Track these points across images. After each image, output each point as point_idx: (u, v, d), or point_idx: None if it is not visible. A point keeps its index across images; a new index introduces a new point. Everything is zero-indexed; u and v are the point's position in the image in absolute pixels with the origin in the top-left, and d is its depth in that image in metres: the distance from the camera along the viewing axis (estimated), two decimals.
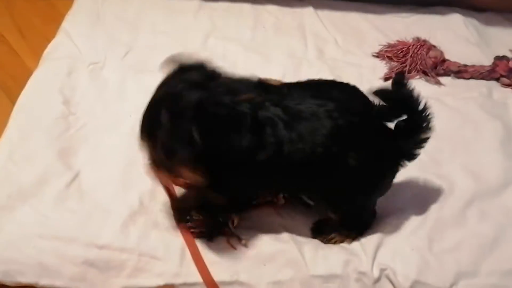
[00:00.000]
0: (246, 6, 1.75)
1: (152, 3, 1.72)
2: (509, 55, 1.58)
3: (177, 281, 1.04)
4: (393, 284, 1.04)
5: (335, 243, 1.11)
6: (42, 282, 1.04)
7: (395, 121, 0.98)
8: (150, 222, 1.13)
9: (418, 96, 0.96)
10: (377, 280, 1.05)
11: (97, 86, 1.43)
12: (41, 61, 1.50)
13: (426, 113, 0.97)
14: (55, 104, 1.35)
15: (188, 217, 1.11)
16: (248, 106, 0.92)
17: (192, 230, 1.10)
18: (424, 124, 0.97)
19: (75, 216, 1.12)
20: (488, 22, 1.76)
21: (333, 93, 0.99)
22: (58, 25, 1.61)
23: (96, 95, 1.41)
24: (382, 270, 1.06)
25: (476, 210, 1.18)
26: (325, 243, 1.11)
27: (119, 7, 1.69)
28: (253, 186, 1.05)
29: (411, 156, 1.01)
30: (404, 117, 0.97)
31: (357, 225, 1.12)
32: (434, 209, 1.18)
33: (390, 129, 0.99)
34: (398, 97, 0.96)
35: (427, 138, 0.99)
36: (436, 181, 1.24)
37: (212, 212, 1.11)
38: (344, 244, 1.11)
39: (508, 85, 1.53)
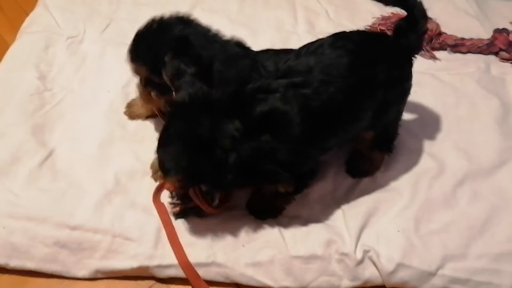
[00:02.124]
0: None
1: None
2: (509, 27, 1.51)
3: (152, 263, 1.00)
4: (376, 267, 1.00)
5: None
6: (13, 263, 1.00)
7: None
8: (126, 201, 1.08)
9: None
10: (360, 262, 1.00)
11: (75, 61, 1.38)
12: (18, 35, 1.44)
13: (421, 6, 1.02)
14: (30, 79, 1.30)
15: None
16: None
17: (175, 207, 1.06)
18: (421, 16, 1.03)
19: (48, 195, 1.08)
20: None
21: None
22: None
23: (74, 70, 1.35)
24: (365, 252, 1.01)
25: (467, 190, 1.13)
26: None
27: None
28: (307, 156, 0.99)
29: (417, 48, 1.07)
30: None
31: (390, 141, 1.14)
32: (423, 188, 1.13)
33: (387, 35, 1.05)
34: None
35: (426, 28, 1.06)
36: (428, 160, 1.19)
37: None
38: (328, 222, 1.06)
39: (507, 60, 1.46)
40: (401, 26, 1.05)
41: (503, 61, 1.46)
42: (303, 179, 1.02)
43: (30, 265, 1.00)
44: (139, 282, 1.02)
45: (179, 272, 1.00)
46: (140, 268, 1.00)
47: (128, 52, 1.10)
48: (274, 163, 0.93)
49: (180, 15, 1.11)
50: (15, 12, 1.56)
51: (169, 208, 1.07)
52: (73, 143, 1.19)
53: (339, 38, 1.00)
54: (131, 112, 1.24)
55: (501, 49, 1.47)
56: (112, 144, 1.19)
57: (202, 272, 1.00)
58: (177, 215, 1.05)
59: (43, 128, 1.21)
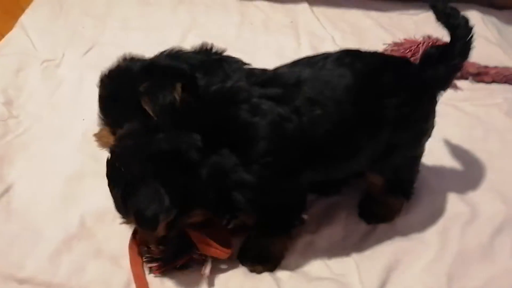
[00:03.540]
0: (232, 1, 1.54)
1: None
2: None
3: None
4: None
5: None
6: None
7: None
8: (90, 249, 0.89)
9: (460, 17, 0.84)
10: None
11: (49, 86, 1.23)
12: None
13: (469, 38, 0.84)
14: None
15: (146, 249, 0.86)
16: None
17: (153, 262, 0.85)
18: (462, 48, 0.84)
19: None
20: (509, 21, 1.54)
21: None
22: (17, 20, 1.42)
23: (46, 96, 1.20)
24: None
25: (508, 239, 0.93)
26: None
27: (87, 1, 1.49)
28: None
29: (445, 84, 0.87)
30: None
31: (407, 187, 0.95)
32: (454, 237, 0.93)
33: (410, 62, 0.87)
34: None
35: (461, 63, 0.86)
36: (456, 202, 1.00)
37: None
38: (338, 278, 0.85)
39: None
40: (431, 54, 0.86)
41: None
42: (281, 215, 0.83)
43: None
44: None
45: None
46: None
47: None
48: (235, 186, 0.76)
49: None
50: None
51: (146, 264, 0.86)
52: (36, 178, 1.02)
53: (349, 55, 0.83)
54: (102, 140, 1.07)
55: None
56: (81, 180, 1.02)
57: None
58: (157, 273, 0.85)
59: (2, 160, 1.04)
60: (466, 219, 0.96)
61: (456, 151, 1.11)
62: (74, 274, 0.84)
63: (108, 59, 1.26)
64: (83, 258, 0.87)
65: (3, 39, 1.35)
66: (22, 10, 1.47)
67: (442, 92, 0.88)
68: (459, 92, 1.29)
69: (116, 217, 0.92)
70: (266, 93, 0.78)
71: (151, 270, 0.85)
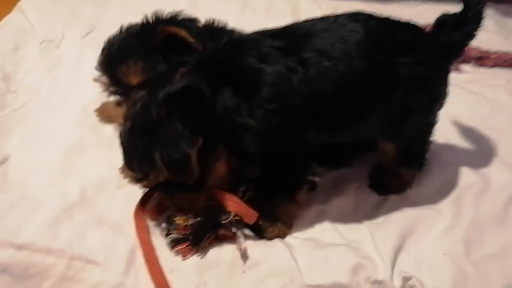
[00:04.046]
0: None
1: None
2: None
3: None
4: None
5: None
6: None
7: None
8: (91, 217, 0.85)
9: None
10: None
11: (48, 63, 1.20)
12: None
13: (481, 5, 0.82)
14: None
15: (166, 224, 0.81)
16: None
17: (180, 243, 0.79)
18: (475, 16, 0.82)
19: None
20: (506, 14, 1.55)
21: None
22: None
23: (45, 72, 1.17)
24: (405, 280, 0.77)
25: None
26: None
27: None
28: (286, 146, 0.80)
29: (459, 50, 0.86)
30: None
31: (419, 156, 0.92)
32: (468, 206, 0.90)
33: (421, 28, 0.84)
34: None
35: (475, 31, 0.83)
36: (468, 174, 0.97)
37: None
38: (352, 244, 0.82)
39: None
40: (444, 21, 0.84)
41: None
42: (284, 172, 0.81)
43: None
44: None
45: None
46: None
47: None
48: (241, 129, 0.75)
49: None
50: None
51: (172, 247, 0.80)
52: (34, 150, 0.98)
53: (363, 14, 0.82)
54: (103, 114, 1.04)
55: None
56: (81, 151, 0.98)
57: None
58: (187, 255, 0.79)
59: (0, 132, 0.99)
60: (478, 189, 0.93)
61: (465, 127, 1.10)
62: (75, 240, 0.80)
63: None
64: (85, 225, 0.83)
65: (1, 21, 1.32)
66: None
67: (455, 60, 0.87)
68: (463, 74, 1.28)
69: (119, 186, 0.90)
70: (274, 44, 0.77)
71: (178, 253, 0.79)
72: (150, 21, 0.92)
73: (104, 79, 0.93)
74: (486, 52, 1.32)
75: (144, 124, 0.74)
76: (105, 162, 0.95)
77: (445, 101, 0.87)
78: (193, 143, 0.71)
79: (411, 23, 0.84)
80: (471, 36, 0.84)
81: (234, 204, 0.78)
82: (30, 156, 0.96)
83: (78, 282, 0.76)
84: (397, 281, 0.77)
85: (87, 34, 1.31)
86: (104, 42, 0.95)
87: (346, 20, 0.79)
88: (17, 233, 0.80)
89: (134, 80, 0.88)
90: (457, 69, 1.29)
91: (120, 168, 0.93)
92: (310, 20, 0.81)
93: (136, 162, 0.76)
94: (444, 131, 1.06)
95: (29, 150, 0.97)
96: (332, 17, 0.80)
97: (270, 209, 0.84)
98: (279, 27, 0.82)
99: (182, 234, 0.78)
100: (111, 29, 1.28)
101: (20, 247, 0.78)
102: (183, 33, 0.88)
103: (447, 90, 0.87)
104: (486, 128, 1.09)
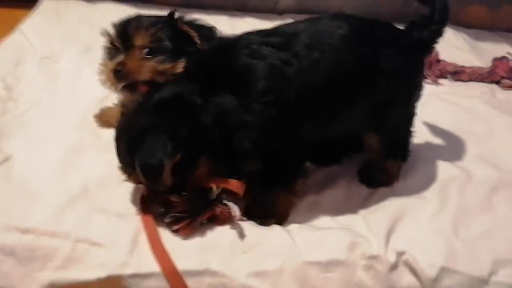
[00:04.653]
0: (223, 18, 1.62)
1: (119, 10, 1.57)
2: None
3: (126, 271, 0.76)
4: (415, 273, 0.79)
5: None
6: None
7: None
8: (94, 207, 0.87)
9: None
10: (394, 267, 0.79)
11: (47, 77, 1.24)
12: None
13: (443, 7, 0.93)
14: None
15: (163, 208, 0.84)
16: None
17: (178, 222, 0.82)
18: (441, 17, 0.93)
19: None
20: (477, 37, 1.68)
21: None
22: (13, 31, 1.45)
23: (45, 84, 1.21)
24: (399, 255, 0.80)
25: (504, 197, 0.97)
26: None
27: (83, 11, 1.56)
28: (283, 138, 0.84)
29: (429, 45, 0.96)
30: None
31: (402, 147, 0.99)
32: (453, 195, 0.96)
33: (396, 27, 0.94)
34: None
35: (441, 30, 0.95)
36: (451, 168, 1.04)
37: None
38: (347, 227, 0.86)
39: (511, 87, 1.39)
40: (415, 21, 0.95)
41: (506, 89, 1.40)
42: (282, 164, 0.85)
43: None
44: None
45: (161, 284, 0.76)
46: (109, 280, 0.76)
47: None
48: (238, 127, 0.79)
49: None
50: None
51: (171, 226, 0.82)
52: (35, 151, 0.99)
53: (343, 14, 0.90)
54: (101, 119, 1.08)
55: (502, 77, 1.41)
56: (81, 153, 1.00)
57: (192, 284, 0.76)
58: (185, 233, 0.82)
59: (1, 134, 1.02)
60: (461, 181, 1.00)
61: (445, 131, 1.17)
62: (79, 225, 0.81)
63: None
64: (88, 213, 0.84)
65: (2, 41, 1.37)
66: (17, 21, 1.51)
67: (426, 55, 0.97)
68: (441, 87, 1.38)
69: (119, 182, 0.93)
70: (266, 40, 0.83)
71: (177, 232, 0.81)
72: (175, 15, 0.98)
73: (113, 32, 0.97)
74: (462, 67, 1.43)
75: (133, 128, 0.79)
76: (104, 161, 0.97)
77: (421, 93, 0.95)
78: (171, 157, 0.75)
79: (387, 21, 0.93)
80: (439, 34, 0.95)
81: (220, 182, 0.81)
82: (31, 156, 0.97)
83: (83, 262, 0.77)
84: (391, 256, 0.80)
85: (84, 52, 1.36)
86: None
87: (330, 19, 0.87)
88: (22, 219, 0.81)
89: (139, 41, 0.92)
90: (436, 82, 1.39)
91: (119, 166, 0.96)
92: (295, 22, 0.89)
93: (123, 162, 0.80)
94: (426, 135, 1.14)
95: (30, 151, 0.99)
96: (316, 18, 0.88)
97: (268, 199, 0.87)
98: (267, 29, 0.88)
99: (179, 212, 0.80)
100: None
101: (25, 231, 0.79)
102: (194, 33, 0.94)
103: (422, 82, 0.95)
104: (465, 132, 1.17)
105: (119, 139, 0.83)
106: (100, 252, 0.78)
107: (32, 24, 1.46)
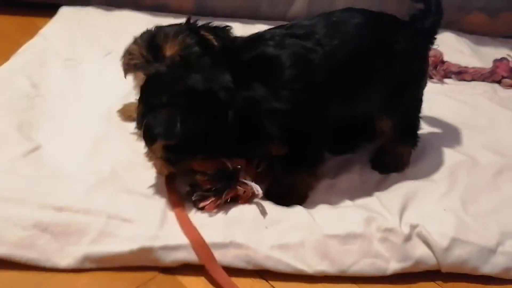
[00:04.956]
0: (236, 24, 1.69)
1: (136, 18, 1.65)
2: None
3: (156, 243, 0.81)
4: (428, 243, 0.83)
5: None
6: None
7: None
8: (123, 189, 0.92)
9: None
10: (408, 238, 0.84)
11: (72, 76, 1.30)
12: (12, 56, 1.36)
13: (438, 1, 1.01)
14: (22, 85, 1.20)
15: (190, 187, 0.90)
16: None
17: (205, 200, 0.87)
18: (436, 9, 1.01)
19: (29, 180, 0.91)
20: (478, 42, 1.75)
21: None
22: (34, 36, 1.52)
23: (70, 82, 1.27)
24: (412, 227, 0.85)
25: (508, 179, 1.02)
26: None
27: (102, 19, 1.62)
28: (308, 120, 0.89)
29: (432, 34, 1.03)
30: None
31: (412, 132, 1.04)
32: (461, 177, 1.02)
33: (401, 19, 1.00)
34: None
35: (439, 20, 1.02)
36: (458, 155, 1.09)
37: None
38: (363, 205, 0.91)
39: (511, 86, 1.46)
40: (416, 14, 1.03)
41: (508, 88, 1.46)
42: (310, 144, 0.90)
43: (2, 249, 0.79)
44: (138, 274, 0.81)
45: (189, 256, 0.81)
46: (141, 251, 0.81)
47: None
48: (267, 115, 0.84)
49: None
50: (11, 45, 1.49)
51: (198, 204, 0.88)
52: (63, 140, 1.06)
53: (354, 8, 0.97)
54: (125, 114, 1.14)
55: (503, 77, 1.47)
56: (108, 142, 1.06)
57: (219, 255, 0.81)
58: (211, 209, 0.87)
59: (30, 126, 1.08)
60: (468, 166, 1.05)
61: (451, 124, 1.23)
62: (110, 204, 0.86)
63: None
64: (117, 194, 0.90)
65: (23, 46, 1.44)
66: (38, 28, 1.58)
67: (429, 43, 1.03)
68: (445, 86, 1.44)
69: (145, 168, 0.98)
70: (289, 32, 0.89)
71: (203, 209, 0.86)
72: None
73: (142, 42, 1.01)
74: (465, 67, 1.49)
75: (155, 96, 0.84)
76: (131, 149, 1.03)
77: (427, 78, 1.02)
78: (167, 136, 0.80)
79: (393, 15, 1.00)
80: (437, 24, 1.02)
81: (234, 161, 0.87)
82: (60, 145, 1.03)
83: (115, 237, 0.82)
84: (405, 229, 0.85)
85: (105, 56, 1.42)
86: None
87: (342, 12, 0.94)
88: (56, 198, 0.86)
89: (170, 50, 0.97)
90: (441, 81, 1.45)
91: (145, 153, 1.01)
92: (309, 17, 0.95)
93: (139, 114, 0.86)
94: (434, 127, 1.19)
95: (59, 140, 1.05)
96: (326, 13, 0.94)
97: (290, 181, 0.92)
98: (287, 24, 0.94)
99: (204, 190, 0.86)
100: None
101: (60, 209, 0.84)
102: (210, 36, 0.99)
103: (427, 69, 1.03)
104: (469, 125, 1.23)
105: (142, 99, 0.87)
106: (131, 227, 0.83)
107: (53, 29, 1.52)
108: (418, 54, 0.99)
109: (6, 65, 1.30)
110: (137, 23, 1.62)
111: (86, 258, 0.81)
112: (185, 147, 0.83)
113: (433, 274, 0.85)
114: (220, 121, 0.83)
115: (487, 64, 1.53)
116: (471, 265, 0.84)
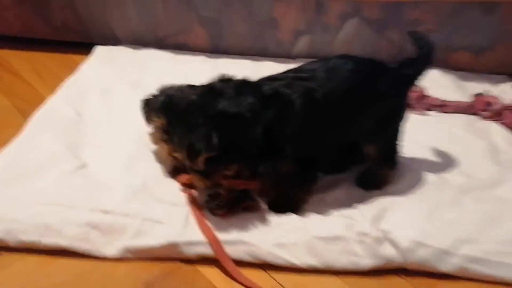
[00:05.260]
0: (246, 61, 1.94)
1: (160, 55, 1.91)
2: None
3: (180, 240, 1.03)
4: (395, 245, 1.04)
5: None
6: (45, 241, 1.03)
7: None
8: (153, 198, 1.15)
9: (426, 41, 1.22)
10: (379, 240, 1.05)
11: (108, 106, 1.54)
12: (58, 89, 1.62)
13: (427, 53, 1.21)
14: (68, 113, 1.45)
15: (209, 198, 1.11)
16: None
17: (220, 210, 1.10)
18: (424, 60, 1.21)
19: (80, 190, 1.15)
20: (463, 78, 1.95)
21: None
22: (73, 71, 1.77)
23: (106, 111, 1.51)
24: (384, 232, 1.06)
25: (471, 197, 1.22)
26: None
27: (130, 56, 1.88)
28: (311, 144, 1.11)
29: (415, 78, 1.23)
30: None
31: (393, 155, 1.25)
32: (430, 195, 1.22)
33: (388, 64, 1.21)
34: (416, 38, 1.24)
35: (424, 68, 1.22)
36: (431, 176, 1.30)
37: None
38: (345, 214, 1.12)
39: (489, 117, 1.66)
40: (404, 61, 1.23)
41: (485, 119, 1.67)
42: (308, 166, 1.12)
43: (62, 242, 1.03)
44: (165, 264, 1.03)
45: (206, 250, 1.03)
46: (169, 245, 1.03)
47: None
48: (283, 138, 1.05)
49: None
50: (54, 79, 1.73)
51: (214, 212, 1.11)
52: (103, 159, 1.29)
53: (347, 55, 1.20)
54: (154, 137, 1.36)
55: (481, 110, 1.68)
56: (138, 159, 1.29)
57: (229, 250, 1.03)
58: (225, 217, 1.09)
59: (77, 147, 1.32)
60: (438, 185, 1.25)
61: (429, 150, 1.43)
62: (144, 209, 1.09)
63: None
64: (149, 202, 1.12)
65: (67, 79, 1.69)
66: (76, 64, 1.84)
67: (411, 86, 1.24)
68: (428, 117, 1.66)
69: (171, 182, 1.21)
70: (297, 75, 1.12)
71: (219, 216, 1.09)
72: None
73: (163, 119, 1.21)
74: (446, 101, 1.70)
75: (189, 120, 1.03)
76: (158, 167, 1.27)
77: (406, 114, 1.23)
78: (209, 149, 0.98)
79: (381, 60, 1.23)
80: (421, 72, 1.23)
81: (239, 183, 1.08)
82: (101, 162, 1.26)
83: (149, 234, 1.05)
84: (378, 234, 1.06)
85: (134, 88, 1.68)
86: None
87: (337, 59, 1.16)
88: (102, 204, 1.09)
89: None
90: (423, 114, 1.67)
91: (169, 172, 1.24)
92: (310, 62, 1.18)
93: (177, 139, 1.05)
94: (414, 153, 1.40)
95: (99, 159, 1.28)
96: (325, 58, 1.17)
97: (290, 196, 1.14)
98: (293, 68, 1.17)
99: (221, 202, 1.08)
100: (151, 87, 1.68)
101: (105, 212, 1.07)
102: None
103: (406, 106, 1.23)
104: (444, 153, 1.43)
105: (176, 124, 1.07)
106: (161, 227, 1.06)
107: (90, 66, 1.79)
108: (399, 94, 1.21)
109: (54, 97, 1.55)
110: (160, 60, 1.89)
111: (127, 250, 1.03)
112: (221, 159, 1.02)
113: (399, 270, 1.05)
114: (249, 137, 1.02)
115: (469, 98, 1.75)
116: (431, 264, 1.04)
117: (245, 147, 1.03)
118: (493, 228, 1.12)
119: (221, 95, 1.04)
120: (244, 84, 1.08)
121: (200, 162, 1.02)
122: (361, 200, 1.21)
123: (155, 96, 1.30)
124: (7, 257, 1.02)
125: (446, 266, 1.04)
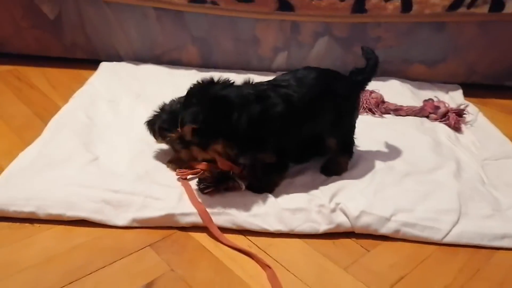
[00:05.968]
0: (232, 74, 2.22)
1: (158, 69, 2.22)
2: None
3: (176, 211, 1.31)
4: (345, 214, 1.33)
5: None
6: (68, 213, 1.30)
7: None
8: (155, 182, 1.43)
9: (373, 54, 1.52)
10: (333, 210, 1.33)
11: (113, 112, 1.83)
12: (71, 98, 1.90)
13: (373, 63, 1.50)
14: (82, 118, 1.73)
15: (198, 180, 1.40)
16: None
17: (207, 189, 1.37)
18: (371, 69, 1.51)
19: (94, 175, 1.42)
20: (419, 87, 2.28)
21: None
22: (83, 84, 2.06)
23: (113, 117, 1.80)
24: (337, 204, 1.35)
25: (411, 179, 1.52)
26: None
27: (132, 70, 2.18)
28: (288, 138, 1.37)
29: (364, 84, 1.53)
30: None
31: (350, 147, 1.53)
32: (378, 178, 1.51)
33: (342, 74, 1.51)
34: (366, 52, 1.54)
35: (370, 77, 1.52)
36: (380, 164, 1.59)
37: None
38: (309, 193, 1.41)
39: (436, 119, 1.97)
40: (354, 71, 1.53)
41: (433, 121, 1.97)
42: (283, 156, 1.40)
43: (82, 214, 1.30)
44: (164, 230, 1.31)
45: (197, 219, 1.30)
46: (167, 216, 1.30)
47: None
48: (265, 132, 1.32)
49: None
50: (66, 90, 2.03)
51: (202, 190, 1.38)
52: (112, 154, 1.56)
53: (310, 67, 1.50)
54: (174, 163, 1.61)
55: (430, 113, 1.98)
56: (141, 155, 1.57)
57: (215, 219, 1.31)
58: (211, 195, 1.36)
59: (90, 144, 1.60)
60: (386, 171, 1.55)
61: (382, 145, 1.73)
62: (146, 189, 1.37)
63: (151, 102, 1.86)
64: (150, 184, 1.40)
65: (78, 90, 1.98)
66: (85, 78, 2.13)
67: (361, 91, 1.55)
68: (385, 119, 1.95)
69: (167, 171, 1.49)
70: (276, 83, 1.40)
71: (206, 194, 1.36)
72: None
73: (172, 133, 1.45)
74: (401, 106, 2.01)
75: (191, 101, 1.30)
76: (158, 160, 1.55)
77: (358, 112, 1.53)
78: (194, 122, 1.23)
79: (336, 71, 1.52)
80: (369, 79, 1.53)
81: (224, 164, 1.36)
82: (111, 157, 1.54)
83: (151, 207, 1.32)
84: (332, 205, 1.35)
85: (136, 98, 1.96)
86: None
87: (303, 70, 1.45)
88: (113, 185, 1.37)
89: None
90: (381, 116, 1.97)
91: (167, 163, 1.52)
92: (284, 74, 1.47)
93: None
94: (368, 146, 1.70)
95: (109, 154, 1.55)
96: (294, 70, 1.46)
97: (266, 180, 1.42)
98: (270, 80, 1.45)
99: (208, 183, 1.36)
100: (151, 97, 1.96)
101: (116, 191, 1.35)
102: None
103: (358, 106, 1.54)
104: (395, 147, 1.72)
105: (185, 100, 1.33)
106: (160, 202, 1.33)
107: (98, 79, 2.08)
108: (352, 97, 1.51)
109: (69, 105, 1.84)
110: (157, 73, 2.19)
111: (133, 220, 1.30)
112: (209, 133, 1.27)
113: (349, 233, 1.34)
114: (234, 118, 1.24)
115: (421, 103, 2.06)
116: (373, 228, 1.32)
117: (231, 127, 1.26)
118: (425, 202, 1.41)
119: (217, 83, 1.33)
120: (245, 82, 1.37)
121: (187, 131, 1.28)
122: (323, 183, 1.49)
123: (157, 114, 1.57)
124: (38, 227, 1.29)
125: (385, 229, 1.32)
